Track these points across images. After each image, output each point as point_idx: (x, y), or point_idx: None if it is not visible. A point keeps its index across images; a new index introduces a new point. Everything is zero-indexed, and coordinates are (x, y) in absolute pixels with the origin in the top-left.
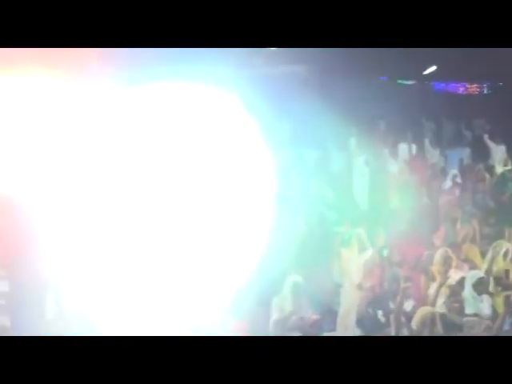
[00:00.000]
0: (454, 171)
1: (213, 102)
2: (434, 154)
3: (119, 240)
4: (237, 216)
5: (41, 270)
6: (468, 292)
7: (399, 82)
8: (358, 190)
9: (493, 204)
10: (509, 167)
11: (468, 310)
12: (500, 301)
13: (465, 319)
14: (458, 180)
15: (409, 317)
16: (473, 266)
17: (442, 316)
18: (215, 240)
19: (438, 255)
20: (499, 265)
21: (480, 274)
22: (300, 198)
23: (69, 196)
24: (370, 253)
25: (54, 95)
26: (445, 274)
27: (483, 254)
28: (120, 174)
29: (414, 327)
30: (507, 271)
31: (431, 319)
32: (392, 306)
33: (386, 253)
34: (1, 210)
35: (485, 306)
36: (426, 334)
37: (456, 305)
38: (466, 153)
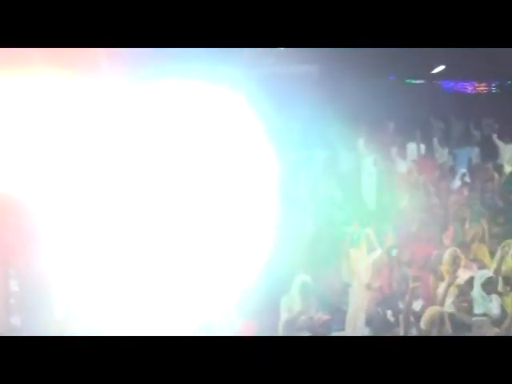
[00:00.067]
0: (463, 170)
1: (222, 102)
2: (442, 154)
3: (129, 240)
4: (246, 216)
5: (50, 269)
6: (477, 292)
7: (407, 81)
8: (367, 190)
9: (502, 203)
10: None
11: (477, 310)
12: (509, 300)
13: (474, 319)
14: (467, 179)
15: (418, 316)
16: (482, 266)
17: (451, 316)
18: (224, 240)
19: (447, 255)
20: (508, 264)
21: (489, 273)
22: (308, 198)
23: (78, 196)
24: (378, 253)
25: (63, 95)
26: (454, 274)
27: (492, 254)
28: (128, 174)
29: (423, 327)
30: None
31: (440, 319)
32: (401, 305)
33: (394, 253)
34: (11, 209)
35: (494, 305)
36: (434, 333)
37: (465, 304)
38: (474, 152)
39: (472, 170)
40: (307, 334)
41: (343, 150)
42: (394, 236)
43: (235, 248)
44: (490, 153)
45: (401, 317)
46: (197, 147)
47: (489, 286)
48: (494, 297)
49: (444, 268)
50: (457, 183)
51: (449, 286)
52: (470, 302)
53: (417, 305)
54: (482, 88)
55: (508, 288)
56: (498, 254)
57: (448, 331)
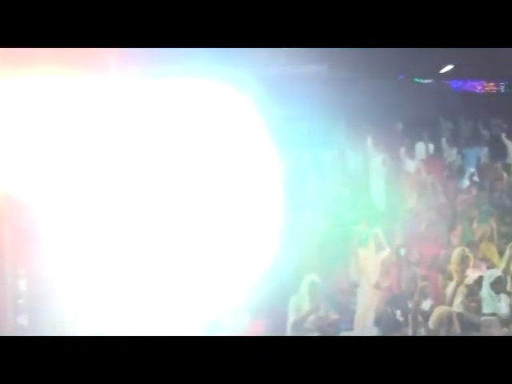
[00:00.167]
0: (472, 170)
1: (230, 102)
2: (451, 153)
3: (137, 240)
4: (255, 216)
5: (58, 269)
6: (486, 291)
7: (416, 80)
8: (375, 189)
9: (510, 203)
10: None
11: (486, 310)
12: None
13: (482, 318)
14: (476, 179)
15: (426, 316)
16: (490, 265)
17: (460, 315)
18: (233, 239)
19: (456, 254)
20: None
21: (498, 273)
22: (317, 197)
23: (87, 196)
24: (387, 252)
25: (71, 94)
26: (462, 273)
27: (501, 253)
28: (136, 174)
29: (431, 327)
30: None
31: (448, 318)
32: (410, 305)
33: (403, 252)
34: (20, 210)
35: (503, 305)
36: (443, 333)
37: (473, 304)
38: (483, 152)
39: (480, 170)
40: (316, 334)
41: (351, 150)
42: (403, 235)
43: (244, 248)
44: (499, 152)
45: (410, 316)
46: (205, 147)
47: (498, 286)
48: (503, 296)
49: (452, 267)
50: (465, 183)
51: (457, 285)
52: (479, 302)
53: (426, 304)
54: (490, 87)
55: None
56: (507, 254)
57: (456, 331)
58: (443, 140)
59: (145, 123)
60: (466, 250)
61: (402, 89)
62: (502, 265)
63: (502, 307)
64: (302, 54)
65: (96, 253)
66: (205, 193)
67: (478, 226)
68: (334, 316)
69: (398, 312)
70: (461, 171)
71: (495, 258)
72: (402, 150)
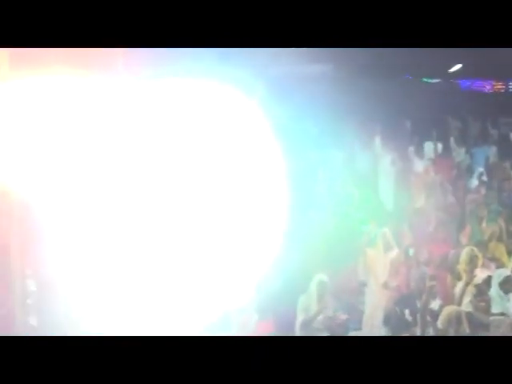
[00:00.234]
0: (480, 169)
1: (236, 102)
2: (459, 153)
3: (144, 240)
4: (263, 216)
5: (66, 269)
6: (494, 291)
7: (424, 80)
8: (384, 189)
9: None
10: None
11: (495, 309)
12: None
13: (491, 318)
14: (484, 178)
15: (435, 316)
16: (499, 265)
17: (468, 315)
18: (241, 239)
19: (464, 254)
20: None
21: (507, 272)
22: (326, 197)
23: (95, 196)
24: (395, 252)
25: (79, 94)
26: (471, 273)
27: (510, 253)
28: (142, 174)
29: (440, 326)
30: None
31: (457, 318)
32: (419, 305)
33: (411, 252)
34: (28, 209)
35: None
36: (451, 333)
37: (482, 304)
38: (492, 151)
39: (489, 169)
40: (325, 334)
41: (360, 150)
42: (411, 235)
43: (252, 247)
44: (508, 151)
45: (418, 316)
46: (213, 148)
47: (506, 285)
48: None
49: (461, 267)
50: (474, 182)
51: (466, 285)
52: (488, 302)
53: (435, 304)
54: (499, 87)
55: None
56: None
57: (465, 331)
58: (452, 139)
59: (152, 123)
60: (475, 249)
61: (411, 88)
62: (511, 264)
63: (511, 307)
64: (310, 53)
65: (104, 252)
66: (213, 193)
67: (486, 225)
68: (343, 316)
69: (407, 311)
70: (469, 171)
71: (504, 258)
72: (411, 149)
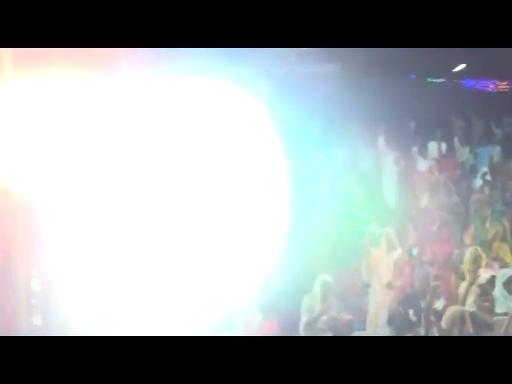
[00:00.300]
0: (484, 169)
1: (241, 101)
2: (463, 153)
3: (148, 239)
4: (266, 216)
5: (71, 269)
6: (498, 291)
7: (428, 80)
8: (387, 188)
9: None
10: None
11: (499, 309)
12: None
13: (495, 318)
14: (488, 178)
15: (439, 316)
16: (503, 265)
17: (472, 315)
18: (245, 239)
19: (468, 254)
20: None
21: (510, 272)
22: (329, 197)
23: (99, 196)
24: (399, 252)
25: (82, 94)
26: (475, 273)
27: None
28: (144, 173)
29: (444, 326)
30: None
31: (461, 318)
32: (423, 305)
33: (415, 252)
34: (33, 209)
35: None
36: (455, 333)
37: (486, 304)
38: (495, 151)
39: (493, 169)
40: (329, 334)
41: (363, 149)
42: (415, 235)
43: (255, 247)
44: None
45: (422, 316)
46: (216, 147)
47: (510, 285)
48: None
49: (465, 267)
50: (478, 182)
51: (470, 285)
52: (492, 302)
53: (439, 304)
54: (503, 86)
55: None
56: None
57: (469, 331)
58: (456, 139)
59: (155, 122)
60: (479, 249)
61: (415, 88)
62: None
63: None
64: (314, 53)
65: (107, 252)
66: (216, 192)
67: (490, 225)
68: (347, 316)
69: (411, 311)
70: (473, 170)
71: (508, 258)
72: (415, 149)
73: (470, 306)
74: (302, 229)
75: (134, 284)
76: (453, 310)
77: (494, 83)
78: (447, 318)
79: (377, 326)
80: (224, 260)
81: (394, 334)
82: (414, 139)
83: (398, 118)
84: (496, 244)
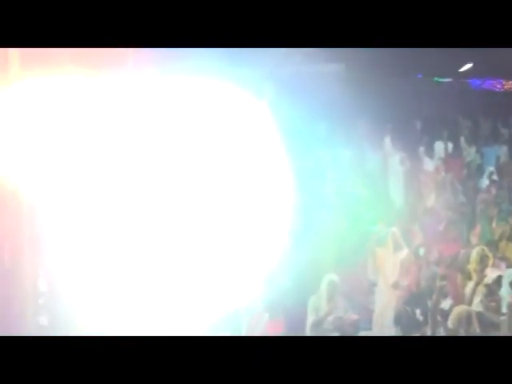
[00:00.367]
0: (491, 169)
1: (247, 101)
2: (470, 152)
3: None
4: (273, 216)
5: (78, 269)
6: (505, 291)
7: (435, 79)
8: (394, 188)
9: None
10: None
11: (505, 309)
12: None
13: (502, 318)
14: (495, 178)
15: (446, 315)
16: (510, 265)
17: (479, 315)
18: (251, 239)
19: (475, 253)
20: None
21: None
22: (335, 196)
23: (106, 196)
24: (405, 252)
25: (88, 94)
26: (481, 273)
27: None
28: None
29: (450, 326)
30: None
31: (467, 318)
32: (430, 304)
33: (422, 251)
34: (40, 210)
35: None
36: (462, 333)
37: (493, 304)
38: (502, 150)
39: (500, 169)
40: (335, 334)
41: (370, 149)
42: (422, 235)
43: (262, 248)
44: None
45: (429, 315)
46: (222, 147)
47: None
48: None
49: (472, 267)
50: (484, 182)
51: (476, 284)
52: (498, 301)
53: (445, 304)
54: (509, 86)
55: None
56: None
57: (476, 330)
58: (462, 139)
59: (161, 122)
60: (486, 249)
61: (421, 88)
62: None
63: None
64: (320, 53)
65: (115, 251)
66: (223, 192)
67: (497, 225)
68: (354, 316)
69: (418, 311)
70: (480, 170)
71: None
72: (421, 149)
73: (477, 305)
74: (308, 228)
75: (140, 285)
76: (459, 309)
77: (501, 83)
78: (453, 317)
79: (383, 325)
80: (232, 259)
81: (400, 334)
82: (421, 139)
83: (404, 117)
84: (502, 244)
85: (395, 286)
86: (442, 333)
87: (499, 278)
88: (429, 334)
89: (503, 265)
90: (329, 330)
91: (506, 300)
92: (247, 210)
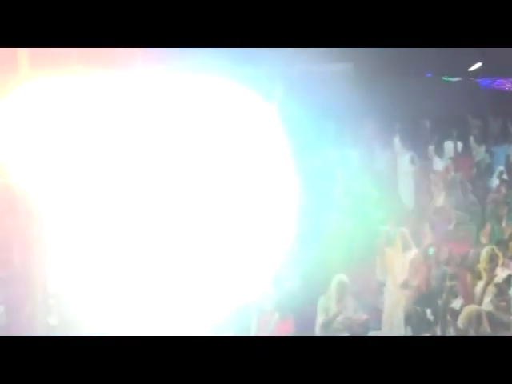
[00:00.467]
0: (501, 168)
1: (256, 100)
2: (479, 152)
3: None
4: (282, 216)
5: (88, 269)
6: None
7: (444, 79)
8: (403, 188)
9: None
10: None
11: None
12: None
13: None
14: (505, 177)
15: (455, 315)
16: None
17: (489, 314)
18: (261, 239)
19: (485, 253)
20: None
21: None
22: (344, 196)
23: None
24: (414, 252)
25: (98, 93)
26: (491, 272)
27: None
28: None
29: (460, 326)
30: None
31: (477, 318)
32: (440, 304)
33: (432, 251)
34: (49, 211)
35: None
36: (472, 332)
37: (503, 303)
38: None
39: (510, 168)
40: (345, 334)
41: (379, 148)
42: (431, 234)
43: (272, 248)
44: None
45: (439, 315)
46: (232, 147)
47: None
48: None
49: (482, 266)
50: (494, 181)
51: (486, 284)
52: (509, 301)
53: (456, 303)
54: None
55: None
56: None
57: (486, 330)
58: (471, 138)
59: (170, 121)
60: (495, 248)
61: (431, 87)
62: None
63: None
64: (329, 53)
65: (122, 251)
66: (232, 192)
67: (507, 224)
68: (364, 316)
69: (429, 311)
70: (490, 169)
71: None
72: (431, 148)
73: (487, 305)
74: (317, 228)
75: (151, 287)
76: (469, 309)
77: (511, 82)
78: (464, 317)
79: (392, 325)
80: (242, 260)
81: (410, 334)
82: (430, 138)
83: (413, 117)
84: None
85: (404, 285)
86: (451, 333)
87: (509, 277)
88: (439, 333)
89: None
90: (338, 330)
91: None
92: (257, 211)
